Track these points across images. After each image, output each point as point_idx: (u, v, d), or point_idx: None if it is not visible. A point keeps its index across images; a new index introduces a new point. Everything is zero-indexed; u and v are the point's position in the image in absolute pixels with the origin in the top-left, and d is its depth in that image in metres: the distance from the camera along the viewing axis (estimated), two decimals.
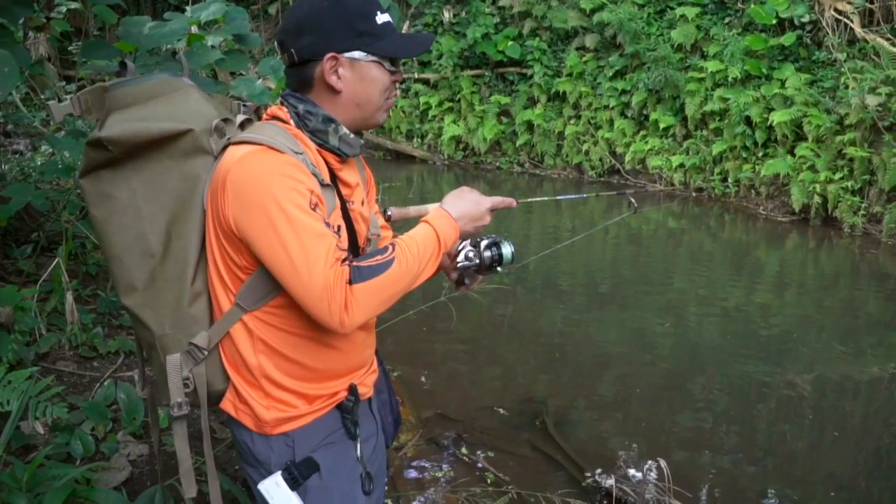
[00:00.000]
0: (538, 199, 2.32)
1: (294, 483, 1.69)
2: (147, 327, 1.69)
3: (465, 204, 1.79)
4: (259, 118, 1.80)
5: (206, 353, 1.68)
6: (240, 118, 1.73)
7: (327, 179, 1.68)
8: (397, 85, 1.79)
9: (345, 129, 1.72)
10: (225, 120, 1.68)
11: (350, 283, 1.55)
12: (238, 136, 1.64)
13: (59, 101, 1.73)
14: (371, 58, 1.70)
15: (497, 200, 1.86)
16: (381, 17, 1.71)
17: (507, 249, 1.91)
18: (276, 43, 1.73)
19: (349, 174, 1.80)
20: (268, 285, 1.63)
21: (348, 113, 1.73)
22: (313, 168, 1.63)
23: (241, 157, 1.57)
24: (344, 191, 1.76)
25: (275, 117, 1.73)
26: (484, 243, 1.91)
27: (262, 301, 1.65)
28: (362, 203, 1.86)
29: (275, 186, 1.53)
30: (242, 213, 1.55)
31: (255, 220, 1.54)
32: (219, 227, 1.61)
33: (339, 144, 1.72)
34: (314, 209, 1.57)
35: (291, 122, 1.71)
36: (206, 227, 1.66)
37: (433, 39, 1.85)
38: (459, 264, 1.92)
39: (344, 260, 1.58)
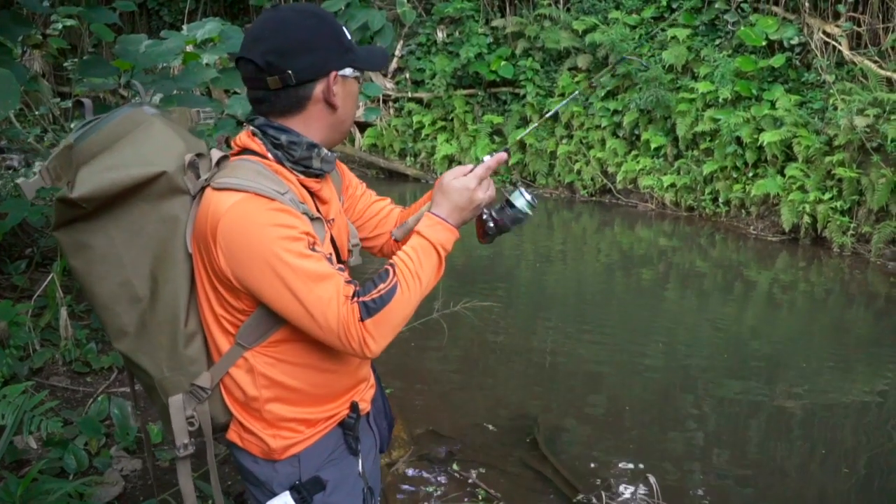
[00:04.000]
0: (532, 126, 2.21)
1: (303, 502, 1.71)
2: (144, 371, 1.68)
3: (452, 196, 1.73)
4: (228, 146, 1.73)
5: (209, 392, 1.67)
6: (215, 155, 1.64)
7: (315, 212, 1.67)
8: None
9: (325, 151, 1.70)
10: (198, 155, 1.62)
11: (361, 320, 1.55)
12: (219, 181, 1.57)
13: (30, 166, 1.70)
14: (356, 73, 1.71)
15: (484, 169, 1.76)
16: (347, 35, 1.71)
17: (520, 201, 1.82)
18: (262, 64, 1.62)
19: (325, 192, 1.79)
20: (268, 321, 1.62)
21: (334, 130, 1.72)
22: (302, 206, 1.61)
23: (228, 209, 1.53)
24: (322, 208, 1.75)
25: (247, 149, 1.67)
26: (500, 206, 1.84)
27: (263, 337, 1.64)
28: (340, 212, 1.85)
29: (271, 240, 1.51)
30: (242, 269, 1.54)
31: (259, 275, 1.53)
32: (214, 276, 1.59)
33: (322, 165, 1.70)
34: (313, 249, 1.56)
35: (269, 155, 1.66)
36: (196, 269, 1.64)
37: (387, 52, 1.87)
38: (487, 239, 1.86)
39: (354, 294, 1.58)
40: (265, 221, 1.52)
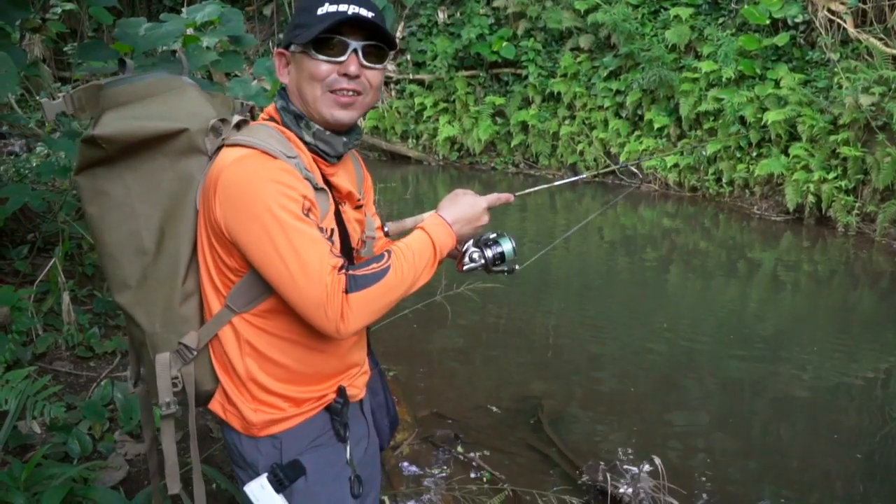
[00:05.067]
0: (534, 189, 2.30)
1: (279, 485, 1.68)
2: (138, 325, 1.68)
3: (461, 207, 1.79)
4: (253, 117, 1.79)
5: (195, 352, 1.67)
6: (235, 118, 1.69)
7: (321, 183, 1.66)
8: (358, 78, 1.69)
9: (317, 126, 1.69)
10: (222, 120, 1.65)
11: (346, 291, 1.54)
12: (232, 138, 1.62)
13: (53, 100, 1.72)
14: (298, 49, 1.67)
15: (493, 198, 1.87)
16: (326, 8, 1.62)
17: (507, 245, 1.91)
18: None
19: (341, 179, 1.78)
20: (259, 287, 1.62)
21: (304, 109, 1.70)
22: (307, 172, 1.61)
23: (233, 161, 1.56)
24: (335, 194, 1.75)
25: (270, 117, 1.74)
26: (485, 242, 1.91)
27: (253, 303, 1.64)
28: (357, 208, 1.85)
29: (266, 193, 1.52)
30: (234, 219, 1.54)
31: (248, 227, 1.53)
32: (210, 228, 1.60)
33: (315, 142, 1.70)
34: (307, 214, 1.56)
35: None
36: (199, 227, 1.65)
37: (350, 14, 1.62)
38: (466, 267, 1.92)
39: (341, 267, 1.57)
40: (265, 176, 1.54)
